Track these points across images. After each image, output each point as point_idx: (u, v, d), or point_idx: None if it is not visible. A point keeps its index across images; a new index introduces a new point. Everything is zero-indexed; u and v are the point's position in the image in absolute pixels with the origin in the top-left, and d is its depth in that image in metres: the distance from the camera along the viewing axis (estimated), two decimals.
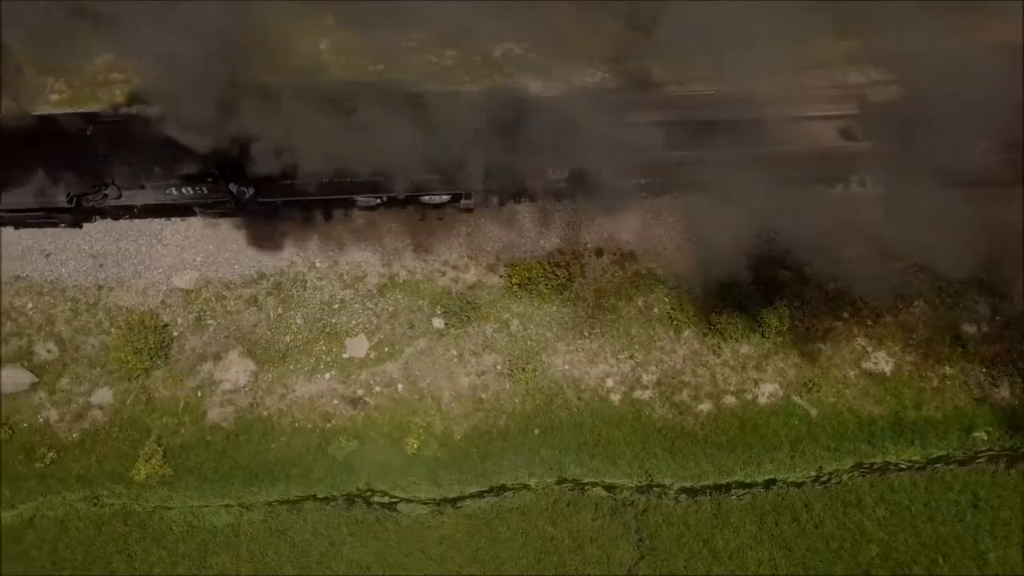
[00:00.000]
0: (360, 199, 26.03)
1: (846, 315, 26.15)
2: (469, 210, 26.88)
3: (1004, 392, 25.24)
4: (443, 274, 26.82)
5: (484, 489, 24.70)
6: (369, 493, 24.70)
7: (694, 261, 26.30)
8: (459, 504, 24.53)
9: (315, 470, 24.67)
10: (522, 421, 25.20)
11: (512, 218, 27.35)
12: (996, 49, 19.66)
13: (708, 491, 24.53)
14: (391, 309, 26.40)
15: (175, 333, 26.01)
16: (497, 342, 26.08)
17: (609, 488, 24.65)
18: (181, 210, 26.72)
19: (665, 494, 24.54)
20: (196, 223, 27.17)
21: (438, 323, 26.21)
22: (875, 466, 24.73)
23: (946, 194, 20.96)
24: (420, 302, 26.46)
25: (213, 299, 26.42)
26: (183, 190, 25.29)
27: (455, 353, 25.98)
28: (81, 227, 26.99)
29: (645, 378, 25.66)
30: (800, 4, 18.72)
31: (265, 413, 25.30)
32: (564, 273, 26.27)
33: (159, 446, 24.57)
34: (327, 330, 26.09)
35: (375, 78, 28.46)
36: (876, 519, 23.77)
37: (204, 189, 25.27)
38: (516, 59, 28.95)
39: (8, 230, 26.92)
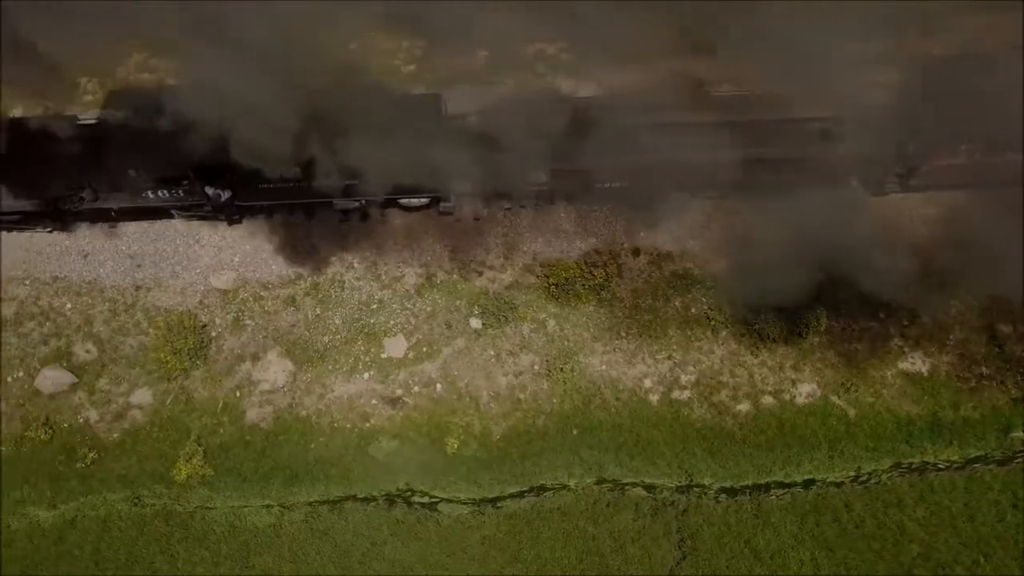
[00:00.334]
0: (338, 202, 26.05)
1: (882, 315, 26.24)
2: (448, 213, 26.85)
3: None
4: (480, 274, 26.86)
5: (524, 489, 24.75)
6: (409, 493, 24.75)
7: (732, 262, 26.36)
8: (499, 504, 24.58)
9: (355, 470, 24.70)
10: (560, 421, 25.24)
11: (548, 219, 27.39)
12: None
13: (748, 491, 24.60)
14: (429, 309, 26.43)
15: (213, 333, 26.03)
16: (534, 342, 26.11)
17: (649, 488, 24.71)
18: (158, 213, 26.65)
19: (705, 494, 24.59)
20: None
21: (475, 323, 26.25)
22: (914, 466, 24.81)
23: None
24: (457, 302, 26.50)
25: (251, 299, 26.44)
26: (159, 193, 25.32)
27: (492, 353, 26.02)
28: (65, 232, 26.82)
29: (683, 378, 25.69)
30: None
31: (304, 413, 25.32)
32: (601, 273, 26.30)
33: (199, 446, 24.61)
34: (365, 330, 26.11)
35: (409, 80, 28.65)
36: (917, 519, 23.84)
37: (180, 192, 25.31)
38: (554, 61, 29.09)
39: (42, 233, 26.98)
